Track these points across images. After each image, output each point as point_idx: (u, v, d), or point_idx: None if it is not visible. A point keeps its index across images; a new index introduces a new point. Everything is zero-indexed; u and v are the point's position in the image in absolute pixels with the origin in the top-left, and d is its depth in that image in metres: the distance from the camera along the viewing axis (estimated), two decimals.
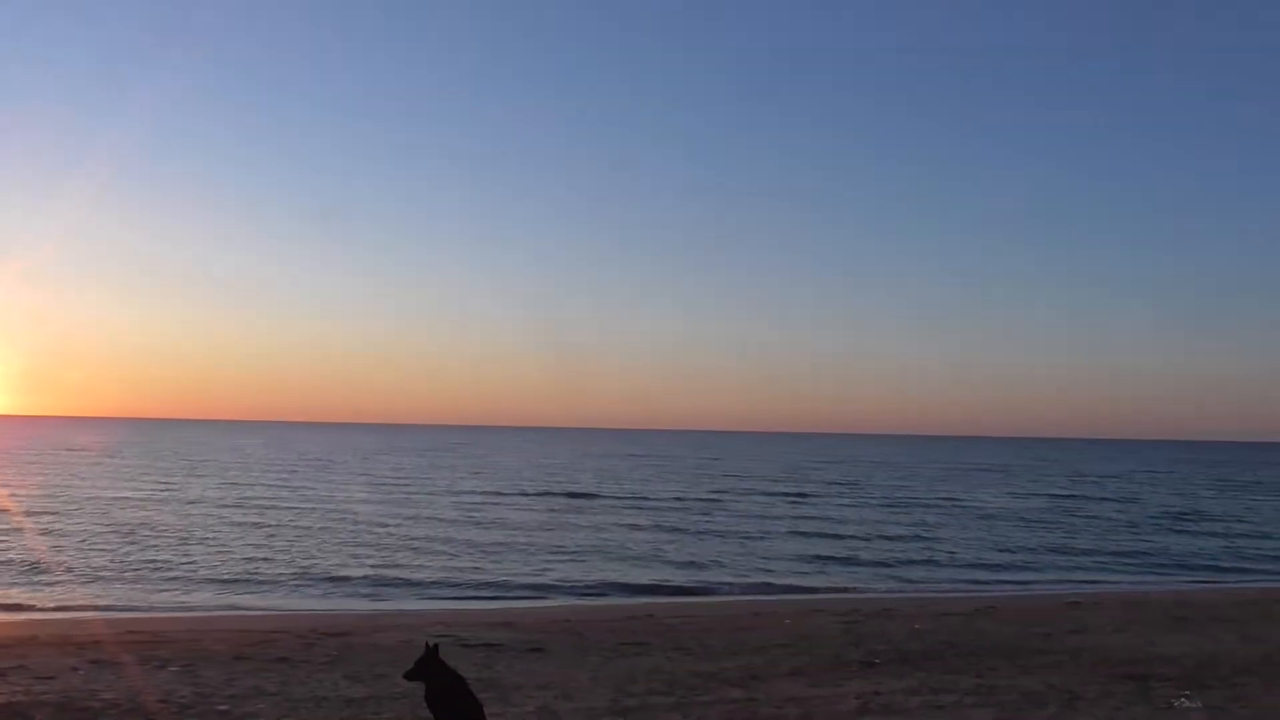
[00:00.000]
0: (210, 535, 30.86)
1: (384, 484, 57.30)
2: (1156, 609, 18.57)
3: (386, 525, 34.84)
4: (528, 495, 51.11)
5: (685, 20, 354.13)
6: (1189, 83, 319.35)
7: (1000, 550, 32.38)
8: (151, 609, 19.59)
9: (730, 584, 24.49)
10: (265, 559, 26.38)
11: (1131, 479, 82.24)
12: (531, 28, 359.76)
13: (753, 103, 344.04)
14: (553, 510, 42.81)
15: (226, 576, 23.68)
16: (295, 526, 33.88)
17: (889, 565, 28.56)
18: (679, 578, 25.08)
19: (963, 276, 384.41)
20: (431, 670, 7.92)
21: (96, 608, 19.43)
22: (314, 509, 40.26)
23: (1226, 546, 35.23)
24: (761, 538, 33.96)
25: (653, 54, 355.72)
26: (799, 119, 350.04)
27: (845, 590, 24.05)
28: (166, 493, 46.71)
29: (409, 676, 8.06)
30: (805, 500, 51.71)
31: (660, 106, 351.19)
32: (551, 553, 28.99)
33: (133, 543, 28.56)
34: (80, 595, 20.89)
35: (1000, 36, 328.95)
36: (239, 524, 34.14)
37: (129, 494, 45.30)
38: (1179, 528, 41.40)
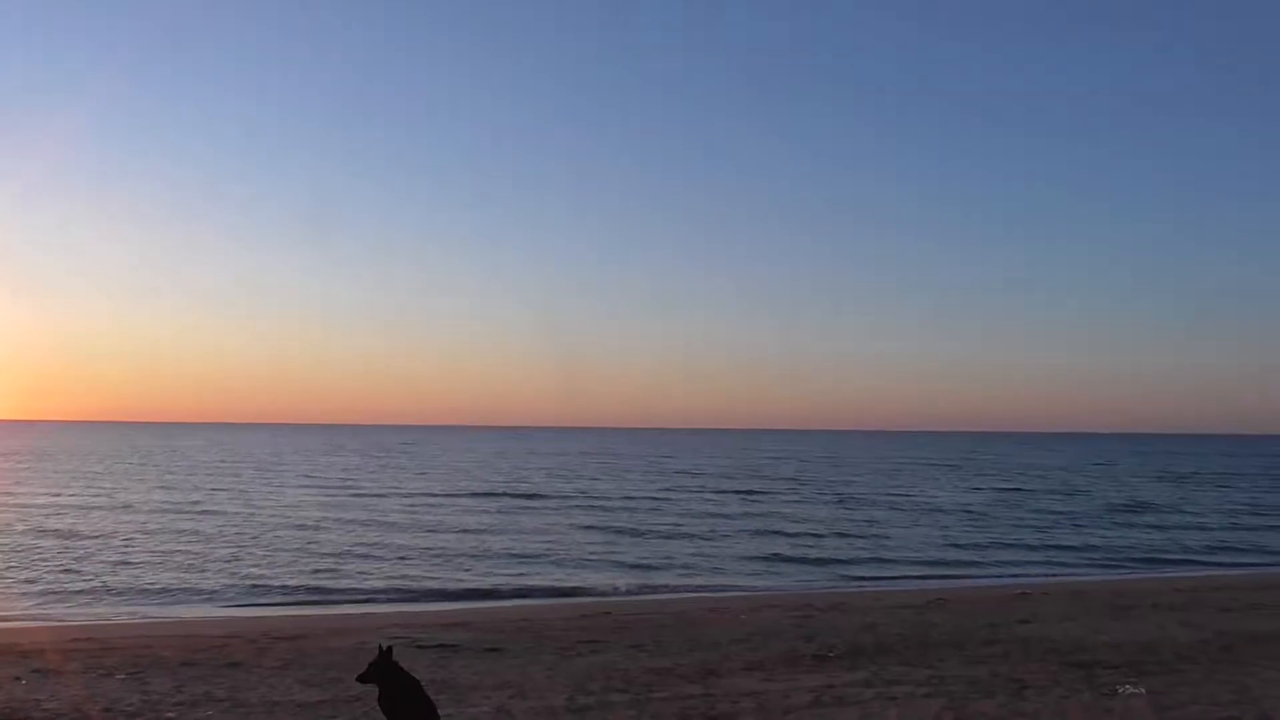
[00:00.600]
0: (149, 542, 30.22)
1: (330, 486, 56.62)
2: (1101, 598, 18.96)
3: (334, 529, 34.43)
4: (476, 496, 50.80)
5: (689, 18, 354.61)
6: (1191, 82, 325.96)
7: (949, 544, 32.83)
8: (95, 618, 19.15)
9: (682, 585, 24.52)
10: (208, 565, 25.88)
11: (1078, 472, 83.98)
12: (533, 27, 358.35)
13: (744, 102, 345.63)
14: (502, 512, 42.59)
15: (169, 584, 23.17)
16: (239, 532, 33.30)
17: (841, 561, 28.82)
18: (630, 579, 25.02)
19: (918, 275, 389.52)
20: (385, 673, 7.84)
21: (37, 617, 18.96)
22: (257, 513, 39.64)
23: (1167, 537, 36.09)
24: (712, 536, 34.07)
25: (655, 53, 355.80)
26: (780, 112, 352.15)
27: (798, 586, 24.21)
28: (101, 499, 45.61)
29: (362, 679, 7.97)
30: (756, 497, 52.01)
31: (654, 105, 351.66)
32: (501, 555, 28.84)
33: (66, 551, 27.82)
34: (19, 605, 20.36)
35: (1002, 36, 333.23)
36: (178, 530, 33.44)
37: (62, 500, 44.30)
38: (1122, 519, 42.30)
